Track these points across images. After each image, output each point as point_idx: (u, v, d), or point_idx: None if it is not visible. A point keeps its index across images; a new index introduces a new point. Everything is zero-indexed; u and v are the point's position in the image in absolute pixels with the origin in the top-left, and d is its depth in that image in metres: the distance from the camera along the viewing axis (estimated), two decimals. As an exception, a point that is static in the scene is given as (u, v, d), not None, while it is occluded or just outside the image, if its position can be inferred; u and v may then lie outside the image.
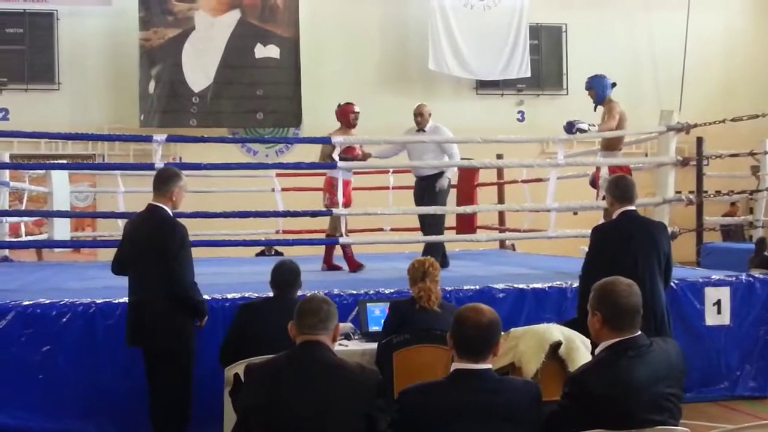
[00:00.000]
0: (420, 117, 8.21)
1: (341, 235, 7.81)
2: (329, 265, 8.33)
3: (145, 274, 4.98)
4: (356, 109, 8.19)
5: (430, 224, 8.10)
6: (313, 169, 8.41)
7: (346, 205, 7.96)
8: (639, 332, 3.28)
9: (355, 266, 8.09)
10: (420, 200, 8.25)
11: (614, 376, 3.17)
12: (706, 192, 8.33)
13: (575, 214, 9.11)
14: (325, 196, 8.10)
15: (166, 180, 5.09)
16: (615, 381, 3.15)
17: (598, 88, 7.75)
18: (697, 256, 8.70)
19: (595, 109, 7.86)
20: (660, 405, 3.19)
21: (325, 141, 7.78)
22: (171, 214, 5.06)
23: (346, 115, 8.17)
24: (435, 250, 7.93)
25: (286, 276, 5.11)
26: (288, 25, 14.45)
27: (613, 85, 7.78)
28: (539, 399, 3.17)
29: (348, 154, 7.88)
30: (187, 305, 5.01)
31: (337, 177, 7.81)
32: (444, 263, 7.88)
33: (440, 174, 8.13)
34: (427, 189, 8.16)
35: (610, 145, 7.92)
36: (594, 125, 7.66)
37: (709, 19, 15.64)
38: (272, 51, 14.38)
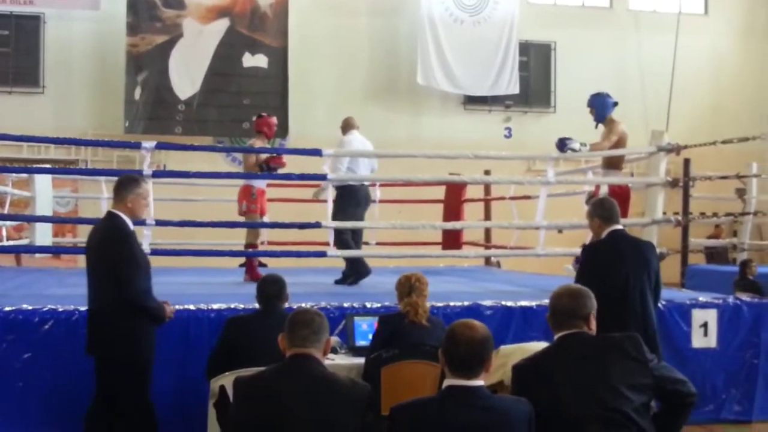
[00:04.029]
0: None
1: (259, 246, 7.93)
2: (252, 275, 8.07)
3: (97, 282, 4.79)
4: (275, 121, 8.48)
5: (338, 239, 7.76)
6: (302, 180, 8.35)
7: (262, 214, 8.16)
8: (579, 330, 3.58)
9: (253, 276, 7.95)
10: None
11: (544, 366, 3.50)
12: (691, 213, 8.35)
13: (560, 232, 9.10)
14: (242, 204, 8.09)
15: (121, 186, 4.86)
16: (545, 369, 3.48)
17: (598, 107, 7.76)
18: (682, 278, 8.70)
19: (596, 127, 7.86)
20: (615, 395, 3.32)
21: (315, 153, 7.72)
22: (126, 222, 4.80)
23: (270, 126, 8.41)
24: (353, 265, 7.91)
25: (270, 289, 5.05)
26: (277, 35, 14.43)
27: (615, 104, 7.79)
28: (531, 417, 3.17)
29: (276, 163, 8.03)
30: (142, 313, 4.78)
31: (253, 185, 8.01)
32: (355, 280, 7.88)
33: (345, 186, 7.92)
34: (336, 200, 7.81)
35: (611, 164, 7.91)
36: (586, 145, 7.65)
37: (698, 41, 15.76)
38: (260, 60, 14.35)
